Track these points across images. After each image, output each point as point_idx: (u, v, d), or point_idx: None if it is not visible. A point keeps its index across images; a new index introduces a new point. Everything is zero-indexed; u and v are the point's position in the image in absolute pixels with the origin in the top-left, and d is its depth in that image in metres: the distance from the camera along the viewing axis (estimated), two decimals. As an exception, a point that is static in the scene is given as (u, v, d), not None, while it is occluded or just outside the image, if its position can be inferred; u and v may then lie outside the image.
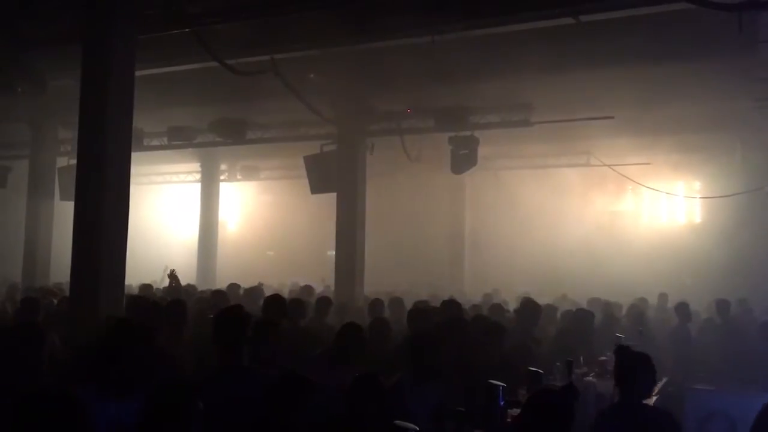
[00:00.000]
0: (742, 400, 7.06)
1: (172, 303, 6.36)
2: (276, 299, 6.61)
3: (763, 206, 13.69)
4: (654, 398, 6.42)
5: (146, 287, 10.62)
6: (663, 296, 12.00)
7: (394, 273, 15.58)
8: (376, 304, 8.45)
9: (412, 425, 3.15)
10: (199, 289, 11.43)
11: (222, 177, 19.43)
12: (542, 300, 11.13)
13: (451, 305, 7.28)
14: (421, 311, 7.08)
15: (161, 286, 10.86)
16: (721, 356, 8.47)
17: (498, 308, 8.21)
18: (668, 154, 14.80)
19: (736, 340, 8.85)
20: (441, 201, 17.76)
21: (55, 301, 8.16)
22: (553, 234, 16.22)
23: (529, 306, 7.33)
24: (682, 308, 9.52)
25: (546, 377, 5.12)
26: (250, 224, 20.98)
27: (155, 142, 14.16)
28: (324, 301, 8.42)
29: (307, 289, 11.12)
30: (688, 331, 9.28)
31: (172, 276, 9.34)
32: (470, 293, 14.03)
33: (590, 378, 6.00)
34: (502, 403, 4.18)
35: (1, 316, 8.81)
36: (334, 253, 12.82)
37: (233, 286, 10.62)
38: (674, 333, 9.28)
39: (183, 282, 10.05)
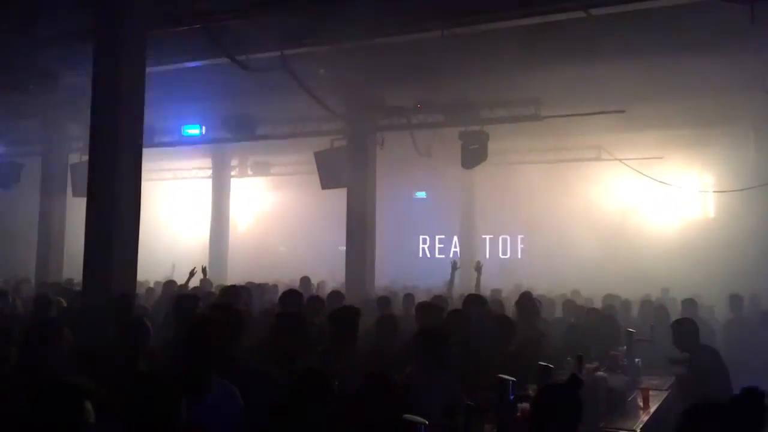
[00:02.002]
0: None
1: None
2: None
3: (778, 199, 13.58)
4: (666, 392, 6.42)
5: (171, 284, 10.59)
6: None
7: (405, 268, 15.61)
8: (381, 301, 8.42)
9: (421, 419, 3.16)
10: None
11: (233, 173, 19.49)
12: (551, 294, 11.14)
13: (475, 300, 7.15)
14: (430, 305, 7.07)
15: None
16: (733, 352, 8.41)
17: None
18: (680, 148, 14.69)
19: (748, 335, 8.80)
20: (451, 196, 17.73)
21: (64, 302, 8.18)
22: (563, 228, 16.17)
23: (526, 300, 7.30)
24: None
25: (556, 372, 5.10)
26: (261, 220, 21.03)
27: (166, 139, 14.22)
28: (335, 296, 8.43)
29: (305, 281, 11.17)
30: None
31: (204, 273, 10.07)
32: (482, 289, 14.00)
33: (601, 373, 5.98)
34: (512, 397, 4.18)
35: (11, 311, 8.86)
36: (344, 248, 12.86)
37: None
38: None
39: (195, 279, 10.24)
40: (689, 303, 9.41)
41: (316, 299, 7.62)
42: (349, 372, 4.43)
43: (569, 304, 9.37)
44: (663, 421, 5.63)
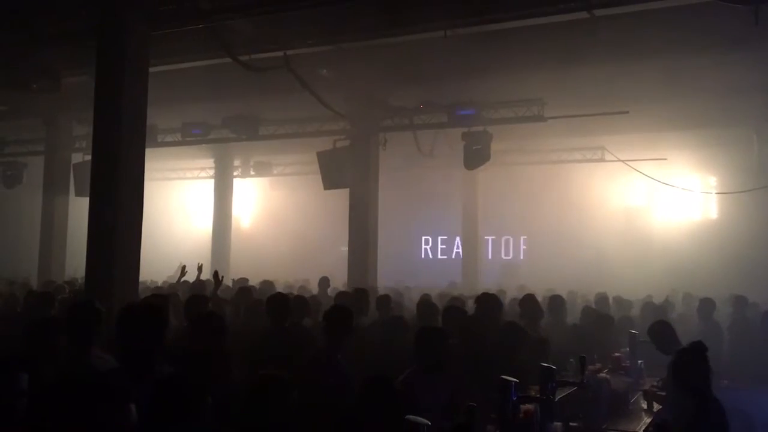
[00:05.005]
0: (759, 397, 7.00)
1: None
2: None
3: (781, 202, 13.55)
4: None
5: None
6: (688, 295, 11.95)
7: (407, 268, 15.61)
8: (382, 300, 8.28)
9: (423, 420, 3.13)
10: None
11: (235, 173, 19.49)
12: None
13: (489, 300, 6.79)
14: (430, 306, 7.05)
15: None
16: (736, 353, 8.39)
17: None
18: (684, 149, 14.68)
19: (751, 337, 8.77)
20: (454, 196, 17.72)
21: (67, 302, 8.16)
22: (566, 230, 16.16)
23: (530, 302, 7.26)
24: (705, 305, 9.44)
25: (559, 373, 5.08)
26: (263, 220, 21.05)
27: (169, 138, 14.24)
28: (342, 297, 8.35)
29: (323, 281, 11.14)
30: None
31: (199, 269, 9.68)
32: (483, 289, 13.96)
33: (604, 374, 5.97)
34: (514, 398, 4.16)
35: (12, 310, 8.84)
36: (347, 248, 12.85)
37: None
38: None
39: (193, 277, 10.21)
40: (740, 300, 9.40)
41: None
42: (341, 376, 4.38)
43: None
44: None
